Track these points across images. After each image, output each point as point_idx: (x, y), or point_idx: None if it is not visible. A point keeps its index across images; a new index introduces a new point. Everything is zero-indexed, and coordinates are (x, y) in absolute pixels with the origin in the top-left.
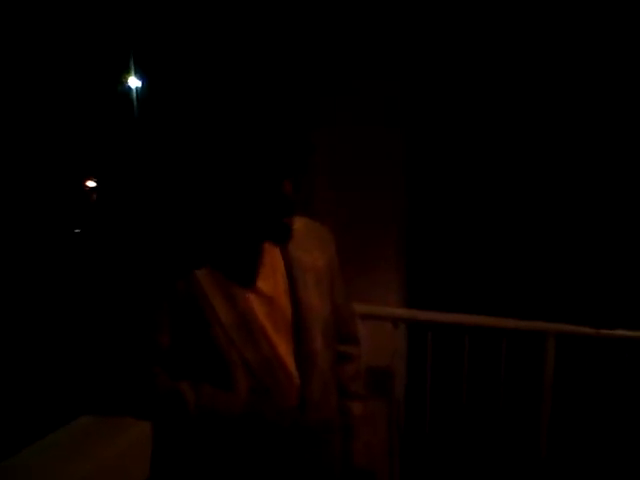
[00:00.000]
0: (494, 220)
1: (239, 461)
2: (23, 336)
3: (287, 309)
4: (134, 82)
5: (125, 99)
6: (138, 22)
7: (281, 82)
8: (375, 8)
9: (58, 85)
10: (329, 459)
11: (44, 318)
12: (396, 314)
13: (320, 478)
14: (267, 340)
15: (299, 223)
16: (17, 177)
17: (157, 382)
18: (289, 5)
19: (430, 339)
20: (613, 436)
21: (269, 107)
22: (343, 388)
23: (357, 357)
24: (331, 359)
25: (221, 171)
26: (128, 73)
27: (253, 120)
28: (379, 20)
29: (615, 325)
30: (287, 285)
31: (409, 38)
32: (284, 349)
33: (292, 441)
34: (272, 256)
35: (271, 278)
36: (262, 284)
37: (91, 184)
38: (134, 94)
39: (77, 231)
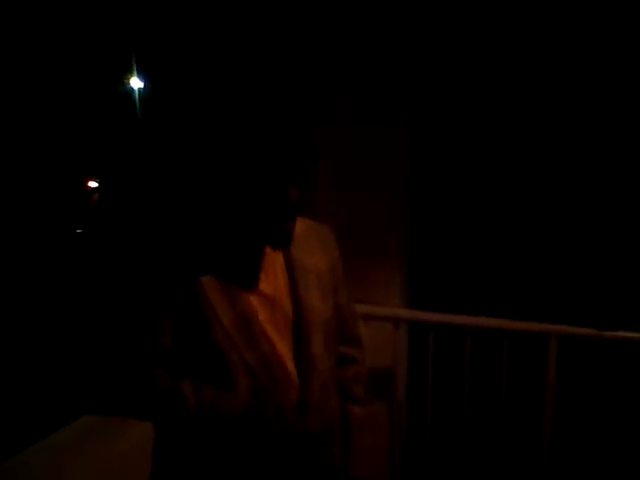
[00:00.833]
0: (496, 221)
1: (239, 462)
2: (25, 336)
3: (288, 310)
4: (136, 83)
5: (127, 100)
6: (141, 23)
7: (283, 83)
8: (375, 8)
9: (60, 85)
10: (328, 461)
11: (46, 318)
12: (398, 315)
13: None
14: (268, 341)
15: (301, 225)
16: (19, 177)
17: (158, 383)
18: (290, 7)
19: (432, 340)
20: (616, 438)
21: (271, 108)
22: (345, 390)
23: (360, 359)
24: (332, 361)
25: (224, 173)
26: (130, 74)
27: (255, 122)
28: (380, 20)
29: (617, 327)
30: (289, 287)
31: (410, 38)
32: (285, 350)
33: (291, 442)
34: (274, 258)
35: (273, 280)
36: (264, 286)
37: (93, 184)
38: (136, 95)
39: (79, 231)
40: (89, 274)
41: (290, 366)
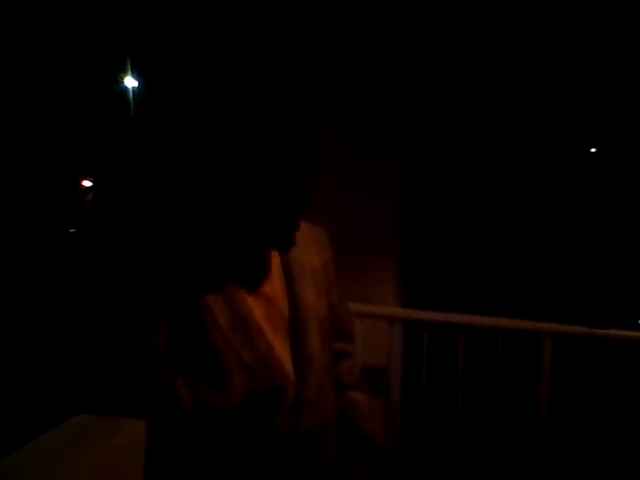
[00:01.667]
0: (490, 221)
1: (234, 461)
2: (19, 336)
3: (284, 309)
4: (131, 82)
5: (122, 99)
6: (135, 22)
7: (282, 84)
8: (374, 9)
9: (54, 84)
10: (324, 459)
11: (39, 317)
12: (392, 313)
13: None
14: (264, 340)
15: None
16: (12, 176)
17: (153, 381)
18: (287, 7)
19: (426, 338)
20: (608, 434)
21: (268, 109)
22: (338, 382)
23: (353, 353)
24: (328, 358)
25: (220, 173)
26: (125, 73)
27: (252, 123)
28: (379, 21)
29: (608, 324)
30: (285, 285)
31: (409, 39)
32: (281, 349)
33: (287, 440)
34: (270, 256)
35: (269, 278)
36: (260, 284)
37: (87, 184)
38: (130, 94)
39: (72, 231)
40: (83, 273)
41: (287, 364)
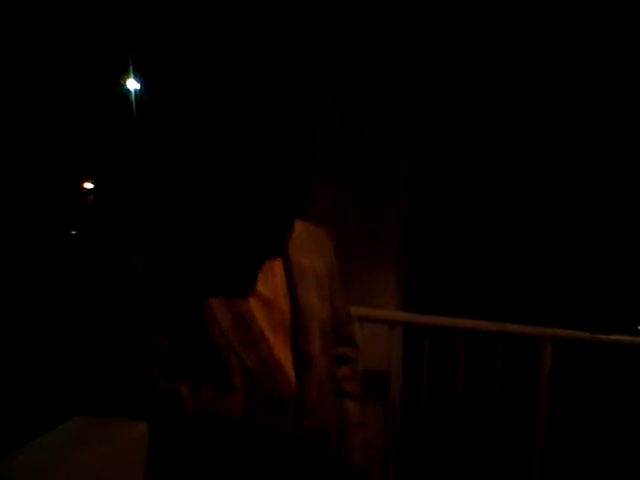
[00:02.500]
0: (492, 225)
1: (235, 463)
2: (19, 337)
3: (286, 311)
4: (133, 84)
5: (124, 101)
6: (137, 24)
7: (281, 84)
8: (375, 9)
9: (57, 86)
10: (324, 463)
11: (40, 319)
12: (393, 317)
13: None
14: (265, 343)
15: (299, 227)
16: (14, 178)
17: (155, 383)
18: (288, 7)
19: (427, 342)
20: (609, 439)
21: (269, 110)
22: (338, 388)
23: (354, 359)
24: (329, 362)
25: (222, 176)
26: (127, 75)
27: (254, 124)
28: (379, 21)
29: (611, 330)
30: (286, 288)
31: (410, 39)
32: (282, 351)
33: (288, 444)
34: (272, 259)
35: (270, 281)
36: (261, 287)
37: (88, 186)
38: (133, 96)
39: (74, 233)
40: (84, 275)
41: (288, 367)
